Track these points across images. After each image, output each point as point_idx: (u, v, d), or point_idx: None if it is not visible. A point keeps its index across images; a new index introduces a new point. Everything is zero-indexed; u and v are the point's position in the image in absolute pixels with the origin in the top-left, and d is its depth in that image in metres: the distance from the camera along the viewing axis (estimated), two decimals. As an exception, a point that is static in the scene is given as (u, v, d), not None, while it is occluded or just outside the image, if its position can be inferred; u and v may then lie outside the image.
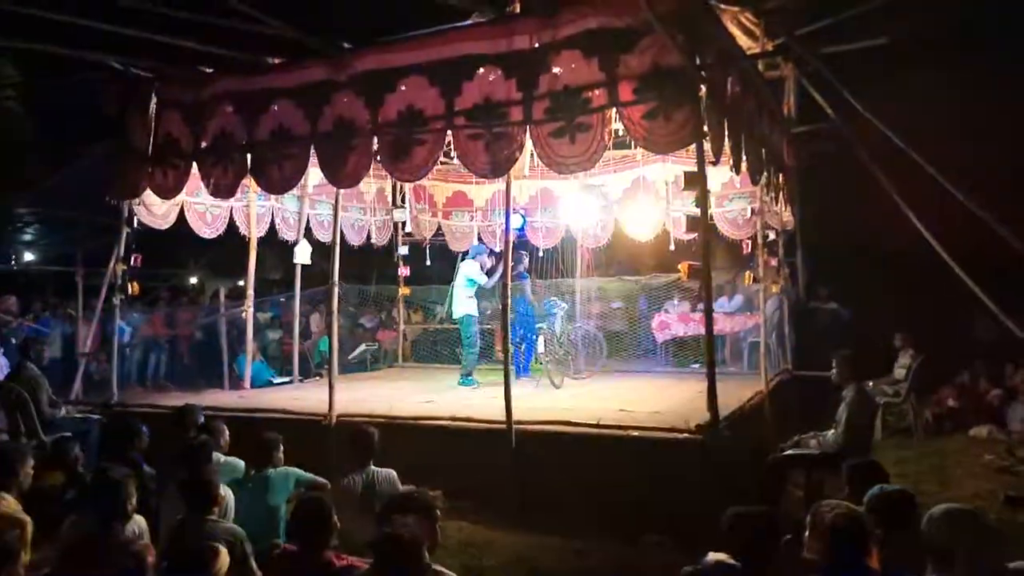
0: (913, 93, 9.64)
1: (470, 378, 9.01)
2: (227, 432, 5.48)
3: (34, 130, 12.84)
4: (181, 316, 12.38)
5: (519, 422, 6.13)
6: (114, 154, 8.22)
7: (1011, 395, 9.28)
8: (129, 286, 8.38)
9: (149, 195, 8.14)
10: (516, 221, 10.60)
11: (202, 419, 5.76)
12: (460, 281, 9.23)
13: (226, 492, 4.28)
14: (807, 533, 3.12)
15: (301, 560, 3.38)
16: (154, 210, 8.49)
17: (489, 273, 9.23)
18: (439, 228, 11.83)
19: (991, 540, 2.93)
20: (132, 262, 8.32)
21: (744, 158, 6.68)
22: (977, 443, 8.56)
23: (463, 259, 9.70)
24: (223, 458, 5.18)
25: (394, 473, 4.85)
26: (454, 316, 9.36)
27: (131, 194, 8.13)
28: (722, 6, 7.51)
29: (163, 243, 10.10)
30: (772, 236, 9.01)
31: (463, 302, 9.13)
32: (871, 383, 8.48)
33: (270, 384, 9.87)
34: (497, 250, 10.34)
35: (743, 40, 8.28)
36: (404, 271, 11.60)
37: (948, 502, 3.09)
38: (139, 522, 3.88)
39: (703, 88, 5.76)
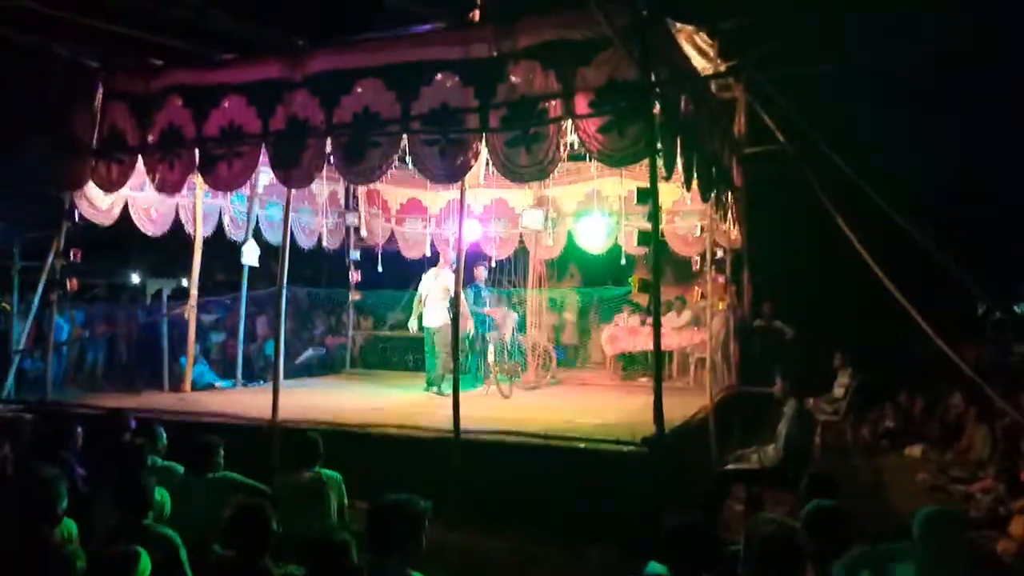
0: (860, 117, 9.95)
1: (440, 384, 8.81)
2: (165, 435, 5.32)
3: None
4: (121, 315, 12.03)
5: (466, 431, 6.10)
6: (56, 145, 7.97)
7: (940, 414, 9.60)
8: (67, 282, 8.14)
9: (92, 189, 7.93)
10: (475, 230, 10.62)
11: (134, 423, 5.58)
12: (438, 292, 8.86)
13: (162, 496, 4.17)
14: (742, 547, 3.17)
15: (238, 567, 3.30)
16: (97, 204, 8.25)
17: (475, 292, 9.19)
18: (392, 234, 11.75)
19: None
20: (71, 257, 8.07)
21: (695, 175, 6.79)
22: (912, 462, 8.81)
23: (437, 267, 9.22)
24: (160, 462, 5.03)
25: (339, 476, 4.78)
26: (430, 325, 8.96)
27: (73, 186, 7.92)
28: (678, 25, 7.65)
29: (105, 239, 9.82)
30: (720, 254, 9.17)
31: (442, 312, 8.81)
32: (811, 400, 8.68)
33: (212, 387, 9.64)
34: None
35: (697, 60, 8.45)
36: (355, 276, 11.47)
37: (886, 518, 3.20)
38: (69, 526, 3.74)
39: (657, 104, 5.86)
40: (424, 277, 9.21)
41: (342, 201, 11.14)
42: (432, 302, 8.95)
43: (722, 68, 8.71)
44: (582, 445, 5.85)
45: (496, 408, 7.89)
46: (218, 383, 9.87)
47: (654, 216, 6.12)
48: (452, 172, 6.42)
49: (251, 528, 3.35)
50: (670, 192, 9.38)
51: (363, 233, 11.29)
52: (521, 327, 10.26)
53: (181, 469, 4.94)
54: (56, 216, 8.18)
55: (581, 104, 5.98)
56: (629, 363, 11.29)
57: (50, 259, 8.19)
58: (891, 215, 7.58)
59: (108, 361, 11.70)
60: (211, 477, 4.68)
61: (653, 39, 6.03)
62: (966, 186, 11.24)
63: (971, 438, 8.67)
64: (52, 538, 3.46)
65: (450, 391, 6.46)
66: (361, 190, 10.79)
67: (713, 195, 7.78)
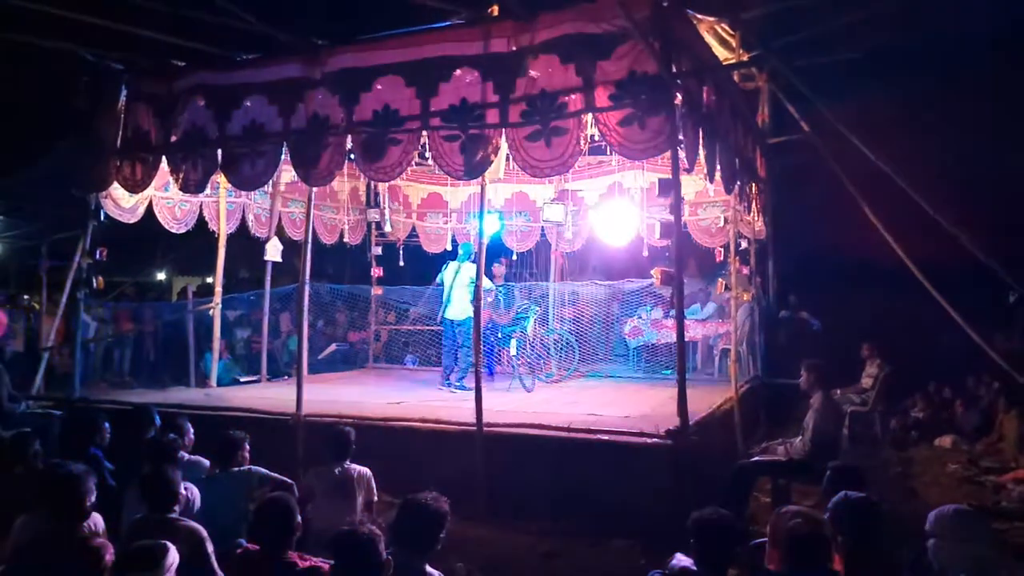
0: (883, 106, 9.78)
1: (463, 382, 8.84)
2: (191, 430, 5.39)
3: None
4: (147, 312, 12.19)
5: (489, 424, 6.11)
6: (82, 147, 8.08)
7: (970, 404, 9.45)
8: (94, 280, 8.24)
9: (117, 189, 8.02)
10: (494, 224, 10.62)
11: (158, 418, 5.65)
12: (463, 282, 8.85)
13: (191, 490, 4.21)
14: (767, 540, 3.14)
15: (263, 560, 3.32)
16: (121, 204, 8.34)
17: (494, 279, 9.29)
18: (413, 229, 11.79)
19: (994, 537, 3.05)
20: (97, 256, 8.17)
21: (718, 167, 6.73)
22: (941, 453, 8.68)
23: (458, 260, 9.16)
24: (187, 456, 5.09)
25: (369, 471, 4.82)
26: (454, 318, 8.93)
27: (98, 187, 8.00)
28: (699, 16, 7.57)
29: (131, 238, 9.94)
30: (744, 245, 9.09)
31: (466, 305, 8.77)
32: (838, 391, 8.59)
33: (237, 383, 9.73)
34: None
35: (719, 50, 8.36)
36: (377, 271, 11.52)
37: (917, 510, 3.15)
38: (96, 519, 3.79)
39: (678, 96, 5.80)
40: (445, 269, 9.20)
41: (363, 197, 11.19)
42: (455, 295, 8.96)
43: (745, 58, 8.61)
44: (605, 438, 5.83)
45: (519, 402, 7.89)
46: (243, 378, 9.98)
47: (676, 209, 6.07)
48: (472, 168, 6.39)
49: (275, 522, 3.37)
50: (693, 183, 9.32)
51: (385, 229, 11.34)
52: (543, 320, 10.26)
53: (208, 463, 5.01)
54: (82, 216, 8.28)
55: (601, 97, 5.92)
56: (652, 355, 11.22)
57: (77, 258, 8.30)
58: (920, 203, 7.47)
59: (135, 358, 11.88)
60: (237, 471, 4.73)
61: (673, 31, 5.97)
62: (998, 172, 11.00)
63: (1002, 428, 8.53)
64: (80, 532, 3.51)
65: (473, 385, 6.46)
66: (382, 186, 10.82)
67: (737, 186, 7.70)
